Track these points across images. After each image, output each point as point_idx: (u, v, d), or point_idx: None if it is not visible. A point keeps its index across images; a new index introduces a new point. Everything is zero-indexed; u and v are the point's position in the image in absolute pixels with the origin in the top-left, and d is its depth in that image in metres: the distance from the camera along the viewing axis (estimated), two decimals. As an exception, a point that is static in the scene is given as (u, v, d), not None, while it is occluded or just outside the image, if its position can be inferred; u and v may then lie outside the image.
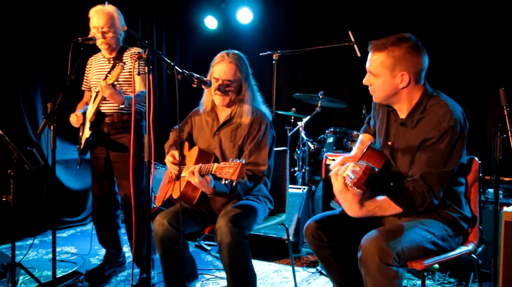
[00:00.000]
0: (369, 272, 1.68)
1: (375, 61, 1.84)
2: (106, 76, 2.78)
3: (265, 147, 2.34)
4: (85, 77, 2.98)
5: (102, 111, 2.78)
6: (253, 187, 2.32)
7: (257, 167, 2.31)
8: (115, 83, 2.57)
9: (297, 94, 4.34)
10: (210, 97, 2.45)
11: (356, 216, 1.76)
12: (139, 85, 2.78)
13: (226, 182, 1.98)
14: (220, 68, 2.34)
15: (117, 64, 2.74)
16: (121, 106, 2.65)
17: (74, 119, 2.80)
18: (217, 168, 2.01)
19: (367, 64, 1.89)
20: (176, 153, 2.35)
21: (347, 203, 1.73)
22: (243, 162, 1.94)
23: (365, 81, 1.92)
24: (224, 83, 2.33)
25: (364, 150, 1.95)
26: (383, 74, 1.82)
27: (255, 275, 2.20)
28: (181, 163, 2.43)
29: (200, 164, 2.13)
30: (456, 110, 1.81)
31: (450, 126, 1.77)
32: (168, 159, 2.35)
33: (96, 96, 2.75)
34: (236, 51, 2.42)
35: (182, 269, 2.30)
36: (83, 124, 2.82)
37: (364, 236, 1.75)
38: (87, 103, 2.98)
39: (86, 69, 2.97)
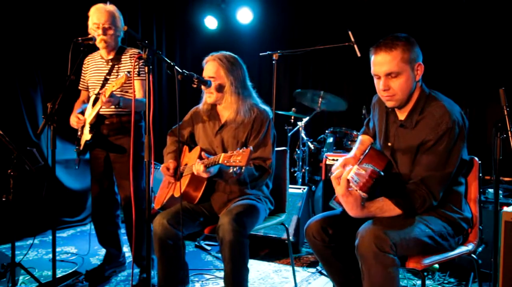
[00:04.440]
0: (366, 259, 1.69)
1: (393, 60, 1.79)
2: (105, 79, 2.78)
3: (269, 141, 2.38)
4: (82, 77, 2.98)
5: (102, 113, 2.78)
6: (259, 177, 2.33)
7: (264, 162, 2.34)
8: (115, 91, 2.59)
9: (298, 90, 4.31)
10: None
11: (358, 217, 1.78)
12: (138, 93, 2.78)
13: (235, 169, 1.99)
14: (206, 67, 2.41)
15: (119, 70, 2.76)
16: (117, 107, 2.66)
17: (75, 121, 2.79)
18: (224, 157, 2.04)
19: (382, 69, 1.81)
20: (171, 165, 2.39)
21: (349, 205, 1.75)
22: (251, 149, 1.97)
23: (383, 87, 1.84)
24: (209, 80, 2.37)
25: (366, 151, 1.95)
26: (406, 69, 1.80)
27: (248, 273, 2.22)
28: (183, 164, 2.46)
29: (204, 160, 2.18)
30: (454, 110, 1.81)
31: (448, 128, 1.77)
32: (163, 170, 2.40)
33: (97, 100, 2.75)
34: (225, 52, 2.44)
35: (179, 272, 2.29)
36: (83, 125, 2.82)
37: (362, 225, 1.77)
38: (83, 102, 2.98)
39: (83, 69, 2.96)
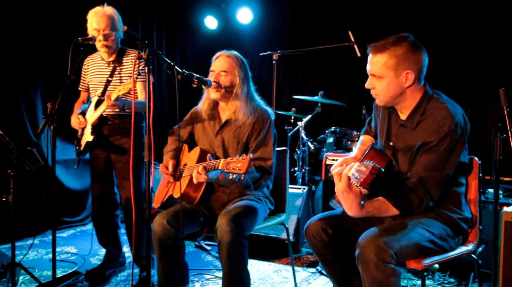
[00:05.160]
0: (367, 270, 1.68)
1: (377, 62, 1.81)
2: (107, 81, 2.78)
3: (270, 142, 2.37)
4: (82, 78, 2.97)
5: (105, 115, 2.78)
6: (260, 178, 2.32)
7: (264, 162, 2.34)
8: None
9: (297, 96, 4.32)
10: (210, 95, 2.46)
11: (356, 216, 1.77)
12: (140, 94, 2.79)
13: (234, 176, 1.98)
14: (217, 61, 2.40)
15: (121, 72, 2.77)
16: (123, 109, 2.67)
17: (76, 123, 2.79)
18: (223, 163, 2.02)
19: (368, 67, 1.86)
20: (170, 163, 2.39)
21: (349, 202, 1.74)
22: (251, 156, 1.95)
23: (367, 85, 1.88)
24: (219, 74, 2.35)
25: (367, 151, 1.95)
26: (388, 75, 1.81)
27: (249, 275, 2.22)
28: (182, 164, 2.45)
29: (204, 163, 2.16)
30: (456, 113, 1.81)
31: (450, 130, 1.77)
32: (162, 169, 2.39)
33: (99, 102, 2.74)
34: (237, 53, 2.45)
35: (179, 272, 2.29)
36: (83, 126, 2.82)
37: (362, 235, 1.76)
38: (83, 102, 2.98)
39: (83, 70, 2.94)
